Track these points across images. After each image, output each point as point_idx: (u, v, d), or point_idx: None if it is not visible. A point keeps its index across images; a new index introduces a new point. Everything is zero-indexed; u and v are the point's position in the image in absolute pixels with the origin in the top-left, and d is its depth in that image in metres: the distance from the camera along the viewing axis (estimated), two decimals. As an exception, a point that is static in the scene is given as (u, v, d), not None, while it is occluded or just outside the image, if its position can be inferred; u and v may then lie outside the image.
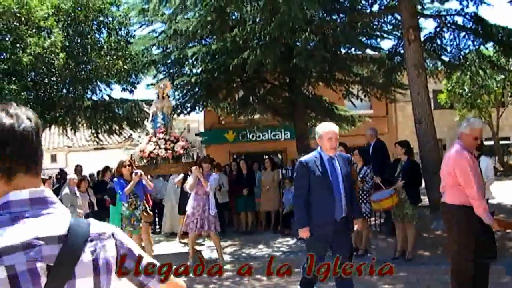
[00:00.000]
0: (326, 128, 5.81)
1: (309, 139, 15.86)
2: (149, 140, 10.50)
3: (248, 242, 11.83)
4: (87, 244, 1.48)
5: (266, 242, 11.65)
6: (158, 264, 1.73)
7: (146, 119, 17.08)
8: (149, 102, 17.27)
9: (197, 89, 14.93)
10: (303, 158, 5.85)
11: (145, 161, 10.30)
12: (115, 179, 9.74)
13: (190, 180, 9.71)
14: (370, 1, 12.94)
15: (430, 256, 8.87)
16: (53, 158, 28.49)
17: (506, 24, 12.28)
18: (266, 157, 14.57)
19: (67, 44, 14.78)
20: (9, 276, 1.33)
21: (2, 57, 14.48)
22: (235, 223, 13.93)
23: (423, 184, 10.15)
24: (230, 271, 9.06)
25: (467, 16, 12.36)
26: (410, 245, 8.78)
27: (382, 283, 7.51)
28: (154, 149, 10.26)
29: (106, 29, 16.21)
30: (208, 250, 10.75)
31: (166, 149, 10.27)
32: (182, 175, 11.54)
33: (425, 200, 10.75)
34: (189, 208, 9.74)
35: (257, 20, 11.16)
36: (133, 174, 9.38)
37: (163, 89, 11.04)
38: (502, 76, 21.38)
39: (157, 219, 15.23)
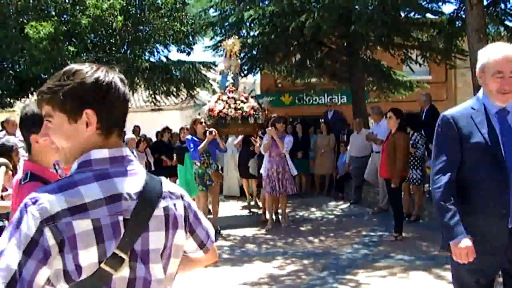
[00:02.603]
0: (494, 53, 3.14)
1: (365, 103, 15.76)
2: (218, 99, 10.37)
3: (301, 205, 12.00)
4: (160, 201, 1.58)
5: (319, 205, 11.80)
6: (210, 225, 1.85)
7: (203, 80, 17.28)
8: (206, 64, 17.44)
9: (254, 52, 14.99)
10: (449, 112, 3.29)
11: (213, 120, 10.11)
12: (188, 137, 9.45)
13: (264, 141, 9.58)
14: (432, -36, 12.62)
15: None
16: (112, 118, 29.13)
17: None
18: (322, 120, 14.58)
19: (125, 5, 14.99)
20: (95, 228, 1.45)
21: (62, 19, 14.83)
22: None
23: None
24: (283, 233, 9.25)
25: (534, -21, 11.93)
26: (464, 212, 8.70)
27: (433, 248, 7.51)
28: (223, 108, 10.12)
29: (163, -11, 16.33)
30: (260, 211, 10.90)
31: (235, 108, 10.14)
32: (241, 136, 11.53)
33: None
34: (263, 171, 9.70)
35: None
36: (207, 132, 9.17)
37: (232, 47, 10.90)
38: None
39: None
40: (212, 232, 1.83)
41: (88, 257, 1.44)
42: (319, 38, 14.53)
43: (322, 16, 11.39)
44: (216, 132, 9.33)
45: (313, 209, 11.46)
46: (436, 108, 10.82)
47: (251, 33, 15.18)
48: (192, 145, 9.17)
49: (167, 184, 1.66)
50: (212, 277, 6.25)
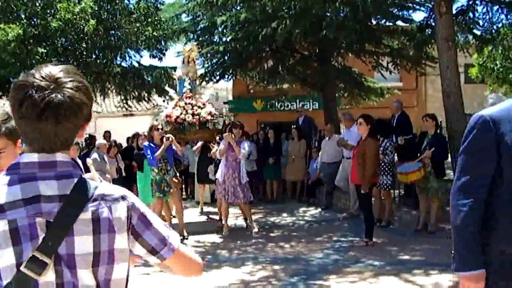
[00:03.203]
0: None
1: (337, 109, 15.88)
2: (176, 105, 10.42)
3: (273, 211, 12.03)
4: (88, 204, 1.53)
5: (290, 211, 11.82)
6: (174, 233, 1.75)
7: (169, 85, 17.30)
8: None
9: (226, 58, 15.01)
10: (488, 111, 2.51)
11: (171, 126, 10.20)
12: (145, 143, 9.54)
13: (221, 146, 9.58)
14: (402, -28, 12.79)
15: (453, 229, 8.91)
16: (83, 124, 28.88)
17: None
18: (294, 126, 14.65)
19: (97, 9, 14.87)
20: (11, 229, 1.44)
21: (32, 22, 14.66)
22: (260, 192, 14.09)
23: (449, 158, 10.15)
24: (254, 238, 9.25)
25: (501, -11, 12.18)
26: (433, 218, 8.84)
27: (403, 254, 7.61)
28: (180, 114, 10.16)
29: (135, -6, 16.28)
30: (233, 217, 10.88)
31: (193, 114, 10.19)
32: (200, 142, 11.50)
33: (450, 174, 10.76)
34: (219, 176, 9.69)
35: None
36: (164, 139, 9.23)
37: (189, 53, 10.95)
38: (537, 51, 20.98)
39: (183, 186, 15.46)
40: (174, 240, 1.72)
41: (5, 259, 1.43)
42: (291, 44, 14.61)
43: (294, 22, 11.44)
44: (173, 138, 9.39)
45: (284, 215, 11.48)
46: (407, 114, 10.96)
47: (224, 39, 15.18)
48: (149, 152, 9.23)
49: (104, 187, 1.60)
50: (182, 284, 6.20)
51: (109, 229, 1.55)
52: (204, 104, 10.47)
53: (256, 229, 9.69)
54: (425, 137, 9.10)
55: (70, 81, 1.52)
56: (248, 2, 12.31)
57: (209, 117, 10.30)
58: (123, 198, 1.62)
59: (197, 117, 10.20)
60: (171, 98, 11.26)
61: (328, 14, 11.15)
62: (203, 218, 11.12)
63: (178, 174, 9.96)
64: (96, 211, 1.54)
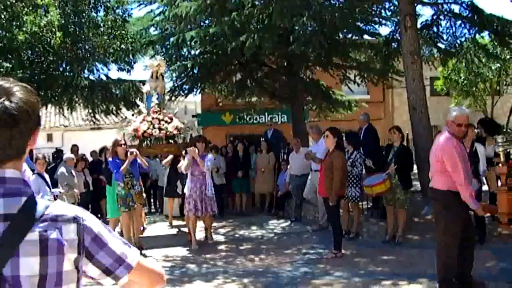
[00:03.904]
0: None
1: (305, 122, 15.99)
2: (143, 119, 10.47)
3: (242, 223, 12.00)
4: (36, 225, 1.50)
5: (259, 224, 11.82)
6: (132, 250, 1.71)
7: (140, 99, 17.26)
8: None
9: (195, 71, 15.01)
10: None
11: (138, 140, 10.26)
12: (110, 159, 9.61)
13: (185, 161, 9.64)
14: (369, -13, 13.00)
15: (420, 240, 9.04)
16: (49, 137, 28.50)
17: (501, 14, 12.43)
18: (263, 139, 14.69)
19: (64, 22, 14.73)
20: None
21: (-2, 34, 14.48)
22: (230, 205, 14.07)
23: (415, 170, 10.30)
24: (223, 251, 9.23)
25: (463, 5, 12.49)
26: (401, 229, 8.94)
27: (372, 265, 7.67)
28: (148, 128, 10.21)
29: (103, 7, 16.16)
30: (202, 231, 10.85)
31: (159, 128, 10.24)
32: (170, 156, 11.54)
33: (417, 185, 10.93)
34: (186, 190, 9.72)
35: (256, 4, 11.22)
36: (128, 153, 9.27)
37: (158, 68, 10.98)
38: (498, 65, 21.50)
39: (152, 200, 15.37)
40: (131, 257, 1.68)
41: None
42: (259, 58, 14.69)
43: (262, 36, 11.52)
44: (137, 152, 9.43)
45: (253, 228, 11.47)
46: (374, 127, 11.10)
47: (192, 52, 15.19)
48: (113, 167, 9.31)
49: (55, 207, 1.56)
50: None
51: (58, 251, 1.51)
52: (171, 119, 10.52)
53: (214, 241, 9.93)
54: (390, 149, 9.21)
55: (18, 88, 1.53)
56: (217, 16, 12.36)
57: (175, 132, 10.34)
58: (75, 219, 1.58)
59: (164, 131, 10.24)
60: (140, 112, 11.27)
61: (296, 28, 11.25)
62: (174, 231, 11.05)
63: (143, 189, 9.93)
64: (44, 232, 1.50)
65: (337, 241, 8.32)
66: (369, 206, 10.80)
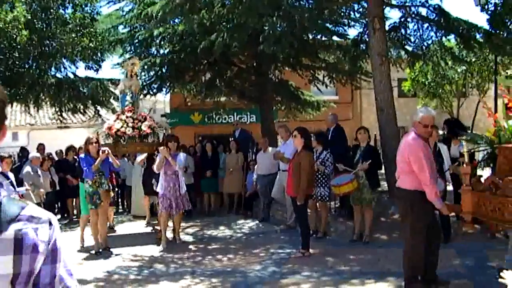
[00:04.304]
0: None
1: (274, 122, 16.03)
2: (117, 118, 10.42)
3: (210, 223, 11.97)
4: (12, 224, 1.49)
5: (228, 224, 11.81)
6: (73, 281, 1.69)
7: (112, 98, 17.10)
8: (114, 82, 17.14)
9: (163, 70, 14.92)
10: None
11: (111, 139, 10.22)
12: (81, 156, 9.65)
13: (157, 161, 9.66)
14: (338, -11, 13.09)
15: (387, 239, 9.15)
16: (15, 136, 28.02)
17: (467, 18, 12.66)
18: (231, 139, 14.68)
19: (31, 18, 14.49)
20: None
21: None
22: (198, 205, 14.02)
23: (382, 170, 10.41)
24: (191, 251, 9.20)
25: (430, 8, 12.64)
26: (368, 228, 9.03)
27: (340, 264, 7.73)
28: (121, 127, 10.17)
29: (71, 4, 15.94)
30: (168, 229, 10.82)
31: (133, 127, 10.19)
32: (145, 154, 11.53)
33: (384, 185, 11.04)
34: (160, 189, 9.75)
35: (226, 3, 11.21)
36: (100, 152, 9.31)
37: (132, 68, 10.95)
38: (464, 67, 21.92)
39: (119, 200, 15.24)
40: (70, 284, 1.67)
41: None
42: (228, 57, 14.69)
43: (232, 36, 11.51)
44: (109, 151, 9.47)
45: (222, 228, 11.45)
46: (342, 127, 11.18)
47: (161, 51, 15.10)
48: (85, 164, 9.34)
49: (30, 209, 1.56)
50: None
51: (32, 250, 1.51)
52: (144, 118, 10.47)
53: (182, 241, 9.92)
54: (357, 149, 9.29)
55: None
56: (186, 15, 12.31)
57: (149, 131, 10.32)
58: (50, 223, 1.58)
59: (137, 130, 10.21)
60: (114, 111, 11.22)
61: (266, 28, 11.27)
62: (141, 230, 10.98)
63: (111, 188, 9.91)
64: (19, 231, 1.50)
65: (305, 241, 8.36)
66: (336, 205, 10.86)
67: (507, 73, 21.85)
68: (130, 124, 10.21)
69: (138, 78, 11.51)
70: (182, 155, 10.07)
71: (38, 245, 1.52)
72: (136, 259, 8.73)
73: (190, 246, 9.63)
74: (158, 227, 10.44)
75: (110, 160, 9.57)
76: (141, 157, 11.80)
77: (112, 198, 10.22)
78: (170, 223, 10.19)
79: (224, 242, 10.00)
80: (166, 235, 9.77)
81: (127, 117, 10.31)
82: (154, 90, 15.81)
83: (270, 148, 11.96)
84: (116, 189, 12.22)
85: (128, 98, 10.74)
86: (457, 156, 8.89)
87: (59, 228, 1.63)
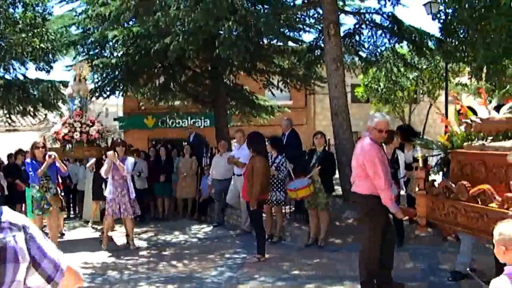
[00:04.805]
0: None
1: (228, 127, 15.98)
2: (65, 122, 10.32)
3: (164, 228, 11.84)
4: None
5: (182, 229, 11.69)
6: (61, 254, 1.71)
7: (62, 101, 16.76)
8: (66, 84, 16.79)
9: (117, 73, 14.69)
10: None
11: (58, 143, 10.15)
12: (27, 160, 9.60)
13: (105, 165, 9.61)
14: (294, -5, 13.19)
15: (342, 243, 9.19)
16: (-39, 139, 27.24)
17: (420, 26, 12.93)
18: (185, 143, 14.57)
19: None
20: None
21: None
22: (152, 210, 13.84)
23: (337, 174, 10.48)
24: (145, 257, 9.06)
25: (384, 16, 12.85)
26: (323, 232, 9.07)
27: (295, 269, 7.72)
28: (69, 131, 10.10)
29: (21, 3, 15.53)
30: (120, 234, 10.67)
31: (81, 132, 10.16)
32: (94, 159, 11.40)
33: (338, 190, 11.12)
34: (107, 194, 9.67)
35: (181, 6, 11.12)
36: (47, 156, 9.24)
37: (81, 72, 10.82)
38: (415, 74, 22.40)
39: (71, 205, 14.95)
40: (63, 262, 1.68)
41: None
42: (183, 61, 14.57)
43: (187, 39, 11.42)
44: (56, 155, 9.41)
45: (176, 233, 11.32)
46: (296, 132, 11.22)
47: (115, 53, 14.86)
48: (31, 169, 9.30)
49: (7, 214, 1.53)
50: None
51: (14, 259, 1.48)
52: (93, 122, 10.36)
53: (136, 246, 9.79)
54: (313, 154, 9.33)
55: None
56: (141, 17, 12.15)
57: (97, 135, 10.22)
58: (24, 228, 1.56)
59: (85, 134, 10.11)
60: (61, 115, 11.06)
61: (221, 32, 11.23)
62: (93, 235, 10.78)
63: (59, 192, 9.77)
64: (3, 239, 1.47)
65: (260, 245, 8.34)
66: (291, 210, 10.88)
67: (459, 81, 22.44)
68: (78, 129, 10.14)
69: (87, 82, 11.38)
70: (130, 160, 9.99)
71: (18, 254, 1.50)
72: (88, 266, 8.52)
73: (144, 252, 9.49)
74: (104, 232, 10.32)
75: (58, 164, 9.51)
76: (90, 162, 11.66)
77: (62, 202, 10.05)
78: (122, 228, 10.07)
79: (178, 247, 9.89)
80: (107, 236, 9.79)
81: (75, 121, 10.24)
82: (107, 93, 15.54)
83: (225, 153, 11.91)
84: (64, 194, 12.01)
85: (76, 102, 10.61)
86: (410, 161, 9.03)
87: (32, 224, 1.60)
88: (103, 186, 10.72)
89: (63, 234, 10.67)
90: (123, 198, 9.53)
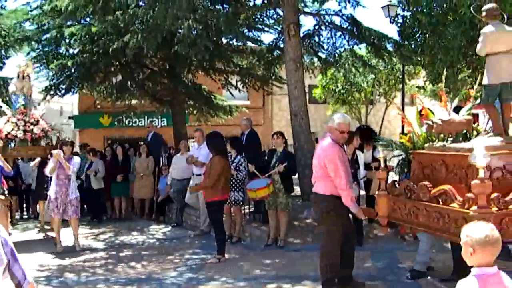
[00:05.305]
0: None
1: (186, 126, 15.87)
2: (7, 121, 10.14)
3: (122, 229, 11.66)
4: None
5: (140, 230, 11.55)
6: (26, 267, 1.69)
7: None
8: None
9: (73, 70, 14.39)
10: None
11: (1, 142, 9.96)
12: None
13: (50, 164, 9.43)
14: (254, -5, 13.18)
15: (301, 243, 9.21)
16: None
17: (378, 28, 13.10)
18: (142, 143, 14.39)
19: None
20: None
21: None
22: (108, 210, 13.61)
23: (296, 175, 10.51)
24: (103, 259, 8.90)
25: (344, 17, 12.97)
26: (283, 232, 9.07)
27: (256, 269, 7.70)
28: (12, 130, 9.93)
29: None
30: (82, 237, 10.44)
31: (25, 131, 10.00)
32: (38, 158, 11.15)
33: (297, 190, 11.16)
34: (51, 193, 9.51)
35: (140, 4, 10.99)
36: None
37: (24, 69, 10.61)
38: (372, 76, 22.72)
39: (24, 205, 14.60)
40: (28, 275, 1.68)
41: None
42: (141, 59, 14.40)
43: (146, 37, 11.28)
44: None
45: (134, 234, 11.17)
46: (256, 132, 11.22)
47: (71, 51, 14.55)
48: None
49: None
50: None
51: None
52: (37, 121, 10.16)
53: (80, 247, 9.65)
54: (273, 154, 9.33)
55: None
56: (100, 14, 11.93)
57: (41, 134, 10.03)
58: None
59: (29, 133, 9.91)
60: (2, 114, 10.79)
61: (181, 31, 11.14)
62: (41, 236, 10.58)
63: (6, 191, 9.60)
64: None
65: (220, 246, 8.29)
66: (251, 210, 10.86)
67: (415, 83, 22.86)
68: (22, 127, 9.94)
69: (31, 79, 11.16)
70: (76, 159, 9.87)
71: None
72: (43, 268, 8.30)
73: (102, 253, 9.31)
74: (50, 234, 10.13)
75: (1, 164, 9.34)
76: (34, 162, 11.39)
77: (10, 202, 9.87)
78: (87, 230, 9.93)
79: (137, 248, 9.75)
80: (60, 238, 9.60)
81: (18, 119, 10.05)
82: (62, 91, 15.23)
83: (187, 152, 11.82)
84: (17, 194, 11.79)
85: (20, 100, 10.38)
86: (369, 161, 9.13)
87: (3, 228, 1.54)
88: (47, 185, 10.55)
89: (10, 234, 10.41)
90: (66, 198, 9.41)
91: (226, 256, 8.30)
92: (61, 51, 14.62)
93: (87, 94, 19.12)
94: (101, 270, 8.11)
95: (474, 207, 4.26)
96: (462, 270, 5.75)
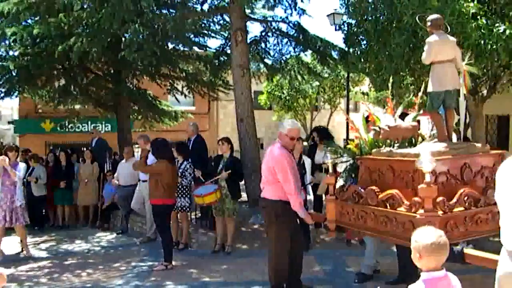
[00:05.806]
0: None
1: (130, 132, 15.66)
2: None
3: (65, 237, 11.40)
4: None
5: (84, 237, 11.32)
6: None
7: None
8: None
9: (13, 73, 13.96)
10: None
11: None
12: None
13: None
14: (201, 0, 13.12)
15: (249, 248, 9.23)
16: None
17: (324, 36, 13.26)
18: (85, 148, 14.11)
19: None
20: None
21: None
22: (51, 218, 13.27)
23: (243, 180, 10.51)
24: (46, 268, 8.67)
25: (290, 24, 13.08)
26: (230, 238, 9.07)
27: (203, 275, 7.66)
28: None
29: None
30: (31, 245, 10.16)
31: None
32: None
33: (244, 195, 11.18)
34: None
35: (85, 6, 10.79)
36: None
37: None
38: (317, 83, 23.02)
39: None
40: None
41: None
42: (85, 63, 14.12)
43: (91, 41, 11.07)
44: None
45: (78, 241, 10.94)
46: (202, 137, 11.18)
47: (10, 53, 14.11)
48: None
49: None
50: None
51: None
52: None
53: (30, 254, 9.54)
54: (220, 160, 9.31)
55: None
56: (43, 16, 11.64)
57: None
58: None
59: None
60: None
61: (127, 35, 10.99)
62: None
63: None
64: None
65: (167, 253, 8.22)
66: (197, 216, 10.80)
67: (360, 89, 23.25)
68: None
69: None
70: (21, 165, 9.69)
71: None
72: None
73: (45, 262, 9.09)
74: None
75: None
76: None
77: None
78: (29, 238, 9.66)
79: (81, 256, 9.55)
80: (0, 246, 9.40)
81: None
82: (2, 95, 14.76)
83: (132, 158, 11.67)
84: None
85: None
86: (320, 162, 9.21)
87: None
88: None
89: None
90: (11, 204, 9.22)
91: (173, 263, 8.23)
92: (0, 53, 14.17)
93: (28, 98, 18.61)
94: (45, 279, 7.91)
95: (421, 211, 4.38)
96: (407, 273, 5.94)
